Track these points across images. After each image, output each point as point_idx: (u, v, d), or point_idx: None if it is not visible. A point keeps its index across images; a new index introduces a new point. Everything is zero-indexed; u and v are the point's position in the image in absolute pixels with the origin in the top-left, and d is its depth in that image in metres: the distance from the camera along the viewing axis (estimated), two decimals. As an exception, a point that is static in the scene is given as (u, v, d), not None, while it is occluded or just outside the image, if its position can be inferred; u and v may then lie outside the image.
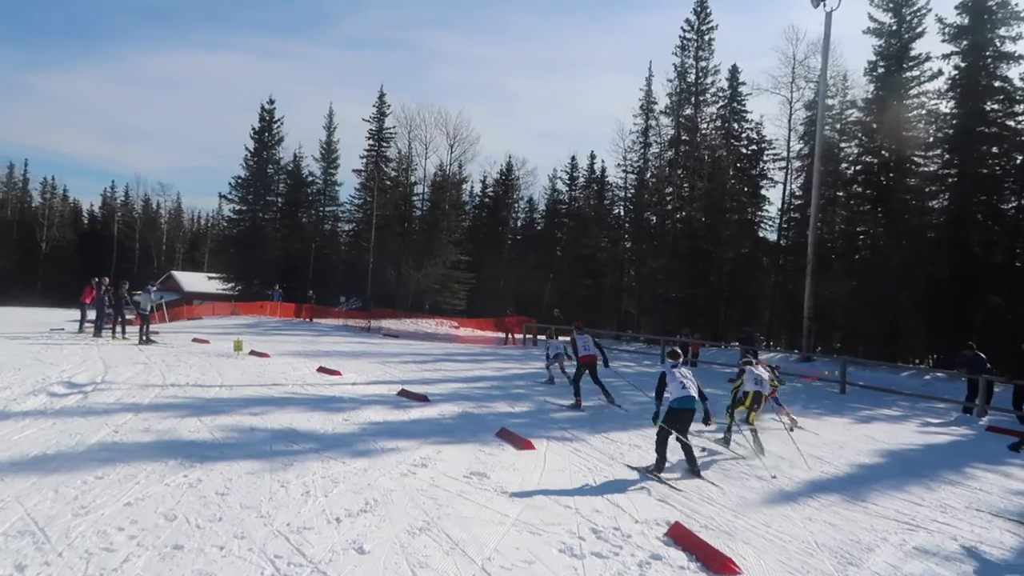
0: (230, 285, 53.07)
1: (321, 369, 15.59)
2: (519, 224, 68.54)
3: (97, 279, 20.52)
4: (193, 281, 68.52)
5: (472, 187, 66.31)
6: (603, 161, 63.64)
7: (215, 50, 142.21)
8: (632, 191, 54.64)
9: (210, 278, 57.73)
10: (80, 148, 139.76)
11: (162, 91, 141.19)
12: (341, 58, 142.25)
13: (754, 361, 11.06)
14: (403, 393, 12.97)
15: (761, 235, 44.01)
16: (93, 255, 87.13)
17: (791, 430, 10.92)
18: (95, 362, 14.25)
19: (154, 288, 20.11)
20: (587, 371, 13.10)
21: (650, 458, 8.73)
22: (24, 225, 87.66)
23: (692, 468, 8.53)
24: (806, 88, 40.18)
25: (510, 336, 30.40)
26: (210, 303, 45.92)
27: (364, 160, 54.96)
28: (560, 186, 65.46)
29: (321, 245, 56.42)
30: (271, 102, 53.32)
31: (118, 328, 19.91)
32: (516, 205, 67.30)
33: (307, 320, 36.11)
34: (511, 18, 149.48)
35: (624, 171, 55.55)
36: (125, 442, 7.84)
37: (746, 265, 41.32)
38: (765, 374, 10.28)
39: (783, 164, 42.30)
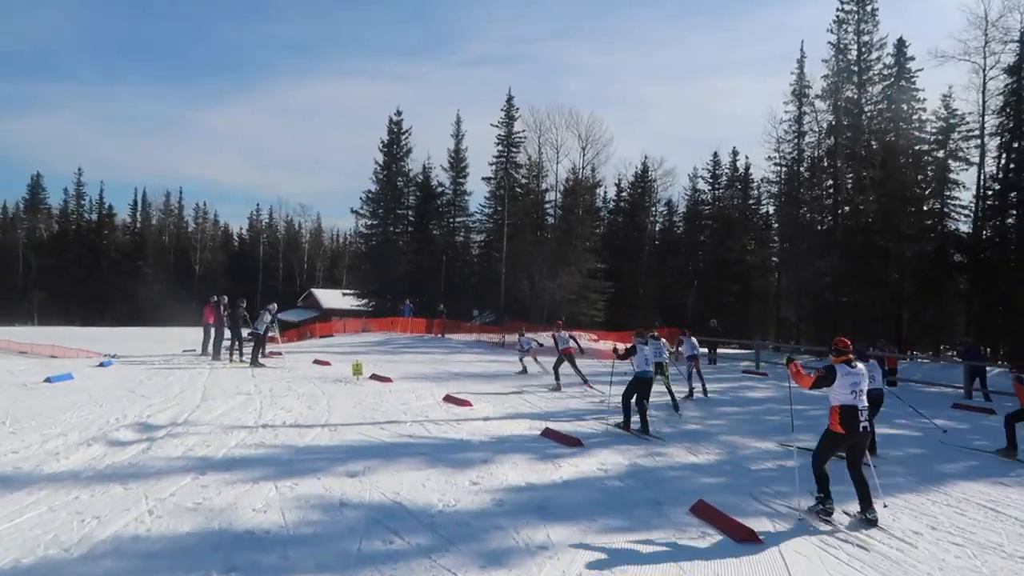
0: (364, 301, 52.64)
1: (448, 398, 12.96)
2: (657, 228, 64.47)
3: (216, 298, 19.09)
4: (331, 298, 69.44)
5: (606, 191, 63.21)
6: (747, 158, 58.85)
7: (350, 77, 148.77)
8: (784, 186, 49.33)
9: (344, 294, 57.89)
10: (230, 176, 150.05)
11: (302, 119, 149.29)
12: (469, 76, 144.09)
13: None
14: (548, 433, 10.02)
15: (952, 227, 37.62)
16: (242, 275, 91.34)
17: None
18: (194, 393, 12.31)
19: (273, 309, 18.38)
20: (567, 360, 16.34)
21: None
22: (180, 249, 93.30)
23: (644, 430, 10.43)
24: (1003, 51, 33.95)
25: (660, 351, 26.91)
26: (343, 320, 45.41)
27: (493, 167, 53.13)
28: (701, 186, 60.91)
29: (452, 257, 55.08)
30: (398, 113, 52.83)
31: (235, 350, 18.36)
32: (654, 208, 63.38)
33: (438, 336, 34.15)
34: (639, 25, 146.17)
35: (776, 164, 50.39)
36: (152, 536, 5.30)
37: (934, 262, 35.31)
38: (665, 350, 13.65)
39: (976, 143, 35.95)
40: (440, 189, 55.07)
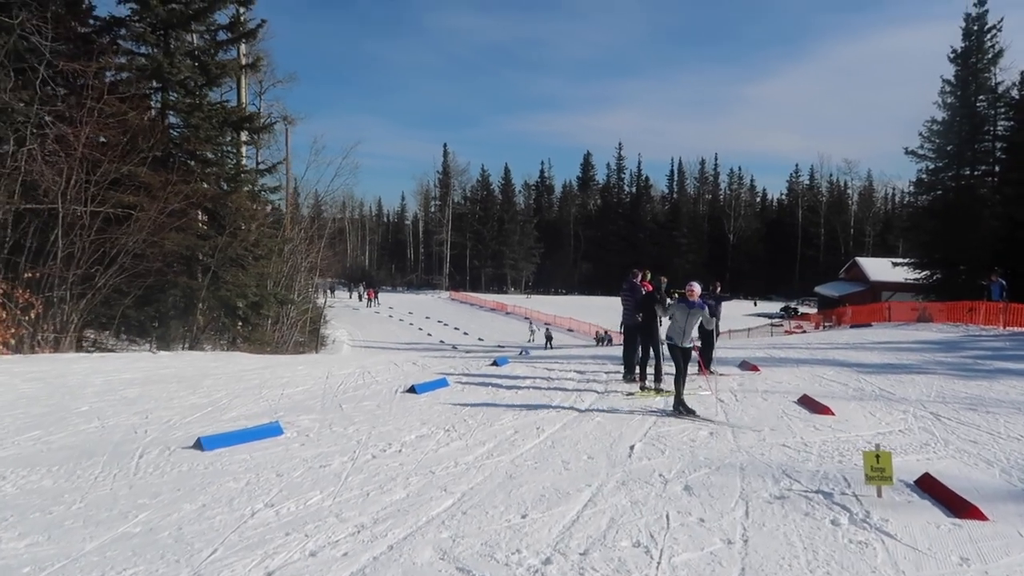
0: (922, 274, 38.97)
1: None
2: None
3: (634, 271, 11.45)
4: (879, 269, 56.37)
5: None
6: None
7: (903, 24, 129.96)
8: None
9: (895, 264, 44.45)
10: (770, 143, 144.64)
11: (850, 77, 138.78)
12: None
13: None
14: None
15: None
16: (778, 243, 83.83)
17: None
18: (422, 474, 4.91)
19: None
20: None
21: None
22: (713, 218, 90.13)
23: None
24: None
25: None
26: (895, 301, 33.67)
27: None
28: None
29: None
30: (980, 2, 36.82)
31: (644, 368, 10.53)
32: None
33: (1057, 333, 20.24)
34: None
35: None
36: None
37: None
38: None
39: None
40: (1053, 105, 37.15)
